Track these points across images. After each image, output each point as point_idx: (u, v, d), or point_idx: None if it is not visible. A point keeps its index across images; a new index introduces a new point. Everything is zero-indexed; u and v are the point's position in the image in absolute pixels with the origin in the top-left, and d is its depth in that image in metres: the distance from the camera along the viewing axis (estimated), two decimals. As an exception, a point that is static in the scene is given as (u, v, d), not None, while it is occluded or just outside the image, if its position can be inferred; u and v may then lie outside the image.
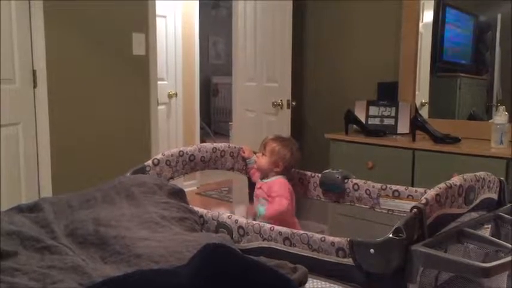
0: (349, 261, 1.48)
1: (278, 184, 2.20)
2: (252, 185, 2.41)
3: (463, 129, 2.86)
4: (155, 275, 1.19)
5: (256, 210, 2.25)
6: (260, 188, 2.27)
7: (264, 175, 2.28)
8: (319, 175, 2.31)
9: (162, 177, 2.10)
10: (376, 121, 3.19)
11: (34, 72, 2.81)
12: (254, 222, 1.76)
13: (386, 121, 3.17)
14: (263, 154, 2.25)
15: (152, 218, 1.65)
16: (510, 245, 1.42)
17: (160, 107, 4.02)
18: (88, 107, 3.07)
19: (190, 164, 2.24)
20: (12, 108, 2.72)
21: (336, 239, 1.51)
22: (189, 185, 4.98)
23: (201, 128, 5.97)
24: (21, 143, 2.78)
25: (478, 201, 1.65)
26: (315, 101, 3.80)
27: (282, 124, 3.46)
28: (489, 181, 1.70)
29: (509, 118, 2.60)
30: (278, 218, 2.11)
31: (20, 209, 1.64)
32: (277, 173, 2.24)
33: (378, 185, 2.12)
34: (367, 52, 3.47)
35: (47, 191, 2.87)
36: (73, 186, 2.13)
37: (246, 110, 3.92)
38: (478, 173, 1.66)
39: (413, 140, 2.81)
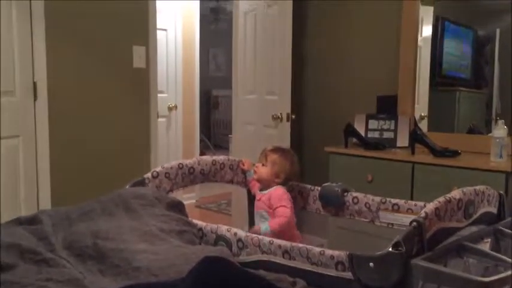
0: (348, 275, 1.47)
1: (278, 193, 2.19)
2: (251, 198, 2.41)
3: (462, 143, 2.85)
4: (153, 288, 1.19)
5: (259, 228, 2.21)
6: (260, 199, 2.25)
7: (264, 186, 2.26)
8: (319, 188, 2.30)
9: (161, 190, 2.09)
10: (376, 134, 3.20)
11: (34, 85, 2.82)
12: (253, 235, 1.75)
13: (386, 134, 3.17)
14: (263, 165, 2.24)
15: (151, 230, 1.65)
16: (510, 259, 1.41)
17: (160, 120, 4.02)
18: (88, 119, 3.07)
19: (189, 176, 2.24)
20: (12, 120, 2.72)
21: (336, 253, 1.50)
22: (188, 197, 4.96)
23: (201, 141, 5.97)
24: (21, 156, 2.78)
25: (477, 215, 1.64)
26: (315, 114, 3.80)
27: (282, 137, 3.46)
28: (489, 195, 1.70)
29: (508, 132, 2.60)
30: (283, 229, 2.09)
31: (19, 221, 1.64)
32: (277, 184, 2.23)
33: (378, 199, 2.12)
34: (366, 66, 3.48)
35: (46, 203, 2.86)
36: (72, 198, 2.12)
37: (246, 123, 3.93)
38: (477, 187, 1.65)
39: (413, 153, 2.81)
